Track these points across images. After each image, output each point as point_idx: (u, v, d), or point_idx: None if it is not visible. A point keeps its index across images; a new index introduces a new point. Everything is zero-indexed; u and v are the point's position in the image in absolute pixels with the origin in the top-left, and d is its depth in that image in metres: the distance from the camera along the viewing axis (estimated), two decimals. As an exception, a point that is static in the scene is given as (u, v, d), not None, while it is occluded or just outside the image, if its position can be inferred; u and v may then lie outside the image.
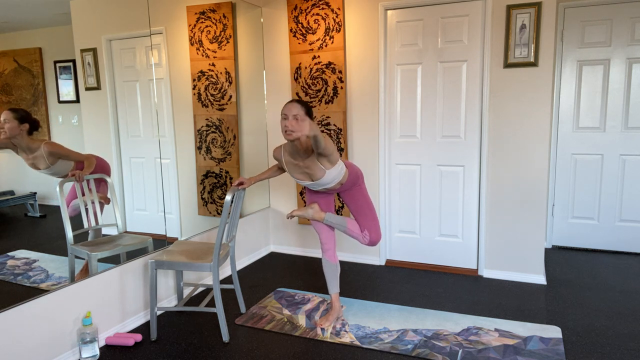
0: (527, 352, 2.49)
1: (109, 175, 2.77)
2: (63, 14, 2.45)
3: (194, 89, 3.41)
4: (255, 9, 4.03)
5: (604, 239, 4.10)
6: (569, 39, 3.97)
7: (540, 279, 3.45)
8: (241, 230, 3.97)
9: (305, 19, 3.84)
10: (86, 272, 2.61)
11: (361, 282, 3.57)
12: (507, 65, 3.34)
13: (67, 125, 2.52)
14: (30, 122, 2.32)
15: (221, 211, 3.67)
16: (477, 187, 3.61)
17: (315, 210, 2.82)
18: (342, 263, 4.01)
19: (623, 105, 3.89)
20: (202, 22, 3.45)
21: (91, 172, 2.68)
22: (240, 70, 3.86)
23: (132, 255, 2.89)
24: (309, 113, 2.50)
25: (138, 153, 2.97)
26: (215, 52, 3.58)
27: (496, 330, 2.75)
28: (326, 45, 3.81)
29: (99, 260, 2.66)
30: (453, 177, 3.67)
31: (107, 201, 2.78)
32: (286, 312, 3.06)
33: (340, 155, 3.89)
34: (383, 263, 3.95)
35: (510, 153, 3.43)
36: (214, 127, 3.62)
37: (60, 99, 2.49)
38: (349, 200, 2.82)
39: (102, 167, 2.72)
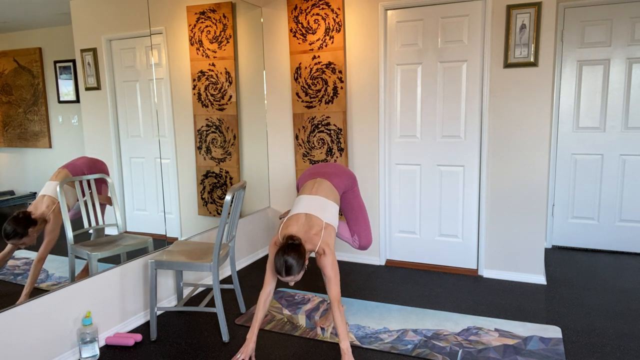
0: (527, 352, 2.49)
1: (107, 174, 2.77)
2: (63, 14, 2.45)
3: (194, 89, 3.41)
4: (255, 9, 4.03)
5: (604, 239, 4.10)
6: (569, 39, 3.97)
7: (540, 279, 3.45)
8: (241, 230, 3.96)
9: (305, 19, 3.84)
10: (86, 272, 2.61)
11: (361, 282, 3.57)
12: (507, 65, 3.34)
13: (67, 125, 2.52)
14: (31, 223, 2.31)
15: (221, 211, 3.67)
16: (477, 187, 3.61)
17: None
18: (342, 263, 4.01)
19: (623, 105, 3.89)
20: (202, 22, 3.45)
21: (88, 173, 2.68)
22: (240, 70, 3.86)
23: (132, 255, 2.89)
24: (301, 268, 2.26)
25: (138, 153, 2.97)
26: (215, 52, 3.58)
27: (496, 330, 2.75)
28: (326, 45, 3.81)
29: (99, 260, 2.66)
30: (453, 177, 3.67)
31: (109, 201, 2.78)
32: (286, 312, 3.06)
33: (340, 155, 3.89)
34: (383, 263, 3.96)
35: (510, 153, 3.43)
36: (214, 127, 3.62)
37: (60, 99, 2.49)
38: (343, 204, 2.79)
39: (99, 168, 2.72)
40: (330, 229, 2.45)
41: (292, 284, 2.28)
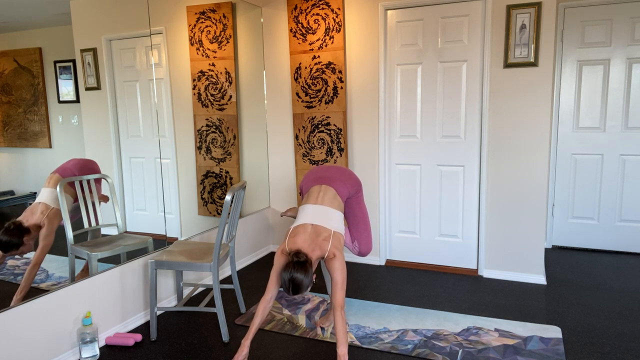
0: (527, 352, 2.49)
1: (99, 172, 2.75)
2: (63, 14, 2.45)
3: (194, 89, 3.41)
4: (255, 9, 4.03)
5: (604, 239, 4.10)
6: (569, 39, 3.98)
7: (540, 279, 3.45)
8: (241, 230, 3.97)
9: (305, 19, 3.84)
10: (86, 272, 2.61)
11: (361, 282, 3.57)
12: (507, 65, 3.34)
13: (67, 125, 2.52)
14: (25, 231, 2.30)
15: (221, 211, 3.67)
16: (477, 187, 3.61)
17: None
18: (342, 263, 4.01)
19: (623, 105, 3.89)
20: (202, 22, 3.45)
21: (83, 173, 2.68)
22: (240, 70, 3.86)
23: (132, 255, 2.89)
24: (309, 284, 2.25)
25: (138, 153, 2.97)
26: (215, 52, 3.58)
27: (496, 330, 2.75)
28: (326, 45, 3.81)
29: (99, 260, 2.66)
30: (453, 177, 3.67)
31: (106, 199, 2.78)
32: (286, 312, 3.06)
33: (340, 155, 3.89)
34: (383, 263, 3.96)
35: (510, 153, 3.43)
36: (214, 127, 3.62)
37: (60, 99, 2.49)
38: (345, 210, 2.78)
39: (90, 168, 2.70)
40: (339, 235, 2.45)
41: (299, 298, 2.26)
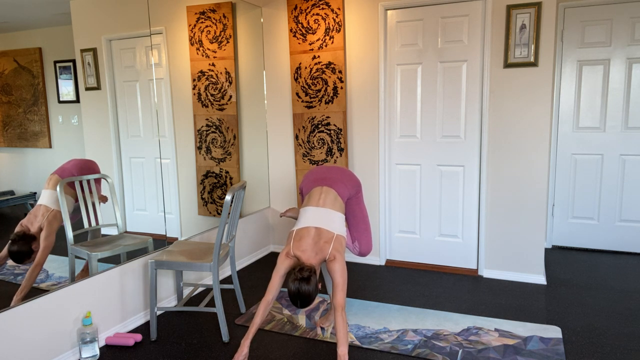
0: (527, 352, 2.49)
1: (98, 172, 2.75)
2: (63, 14, 2.45)
3: (194, 89, 3.41)
4: (255, 9, 4.03)
5: (604, 239, 4.10)
6: (569, 39, 3.98)
7: (540, 279, 3.46)
8: (241, 230, 3.97)
9: (305, 19, 3.84)
10: (86, 272, 2.61)
11: (361, 282, 3.57)
12: (507, 65, 3.34)
13: (67, 125, 2.52)
14: (31, 239, 2.33)
15: (221, 211, 3.67)
16: (477, 187, 3.61)
17: None
18: (342, 263, 4.01)
19: (623, 105, 3.89)
20: (202, 22, 3.45)
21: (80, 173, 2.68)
22: (240, 70, 3.86)
23: (132, 255, 2.89)
24: (315, 296, 2.30)
25: (138, 153, 2.97)
26: (215, 52, 3.58)
27: (496, 330, 2.75)
28: (326, 45, 3.81)
29: (99, 260, 2.67)
30: (453, 177, 3.67)
31: (105, 200, 2.78)
32: (286, 312, 3.06)
33: (340, 155, 3.89)
34: (383, 263, 3.96)
35: (510, 153, 3.43)
36: (214, 127, 3.62)
37: (60, 99, 2.49)
38: (346, 210, 2.78)
39: (90, 168, 2.70)
40: (341, 238, 2.47)
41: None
